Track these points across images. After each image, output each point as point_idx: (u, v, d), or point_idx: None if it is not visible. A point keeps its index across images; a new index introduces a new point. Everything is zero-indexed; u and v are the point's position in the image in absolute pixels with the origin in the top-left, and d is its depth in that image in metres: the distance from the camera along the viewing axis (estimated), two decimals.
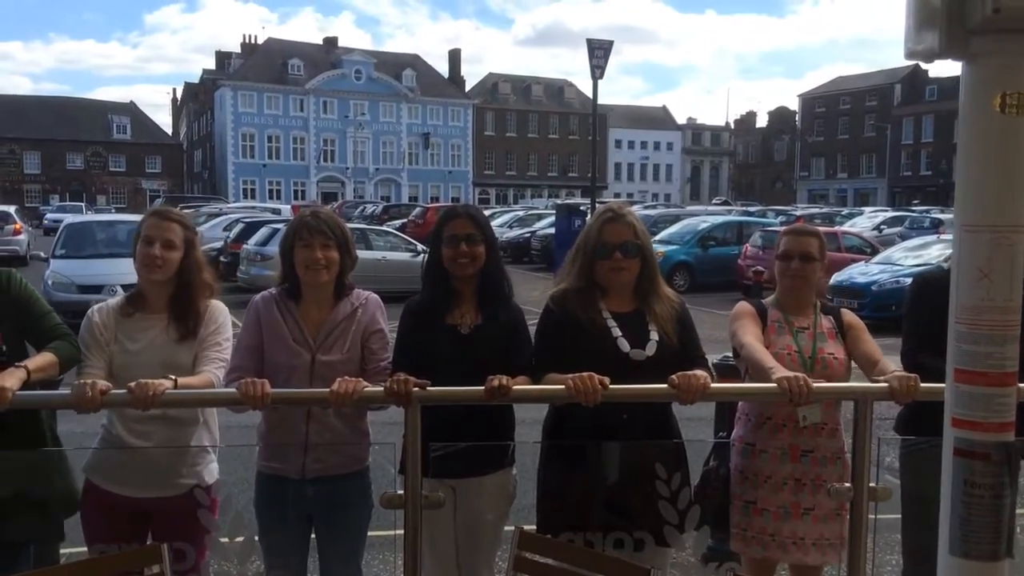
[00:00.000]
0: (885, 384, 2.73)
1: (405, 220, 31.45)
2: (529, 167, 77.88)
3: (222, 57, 73.34)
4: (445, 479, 2.88)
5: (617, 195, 67.65)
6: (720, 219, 23.81)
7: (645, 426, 2.90)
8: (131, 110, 71.76)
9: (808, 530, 3.03)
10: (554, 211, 25.09)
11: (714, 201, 63.50)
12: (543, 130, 78.59)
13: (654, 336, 2.92)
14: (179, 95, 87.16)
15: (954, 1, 1.10)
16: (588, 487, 2.95)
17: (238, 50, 72.00)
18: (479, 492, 2.98)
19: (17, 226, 24.80)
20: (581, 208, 20.48)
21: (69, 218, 16.68)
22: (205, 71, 75.55)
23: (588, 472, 2.98)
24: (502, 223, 30.31)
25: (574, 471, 2.96)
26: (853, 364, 3.14)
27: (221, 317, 3.01)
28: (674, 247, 19.45)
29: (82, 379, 2.71)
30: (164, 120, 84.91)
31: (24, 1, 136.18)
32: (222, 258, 17.66)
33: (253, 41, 71.38)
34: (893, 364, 2.93)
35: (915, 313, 3.25)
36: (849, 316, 3.26)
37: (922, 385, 2.66)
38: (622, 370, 2.76)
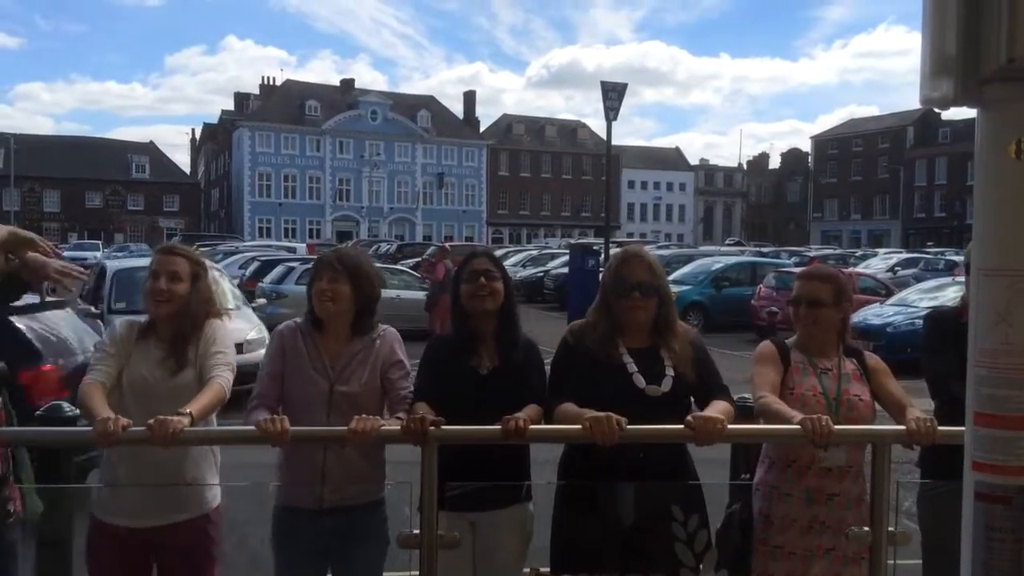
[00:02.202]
0: (903, 427, 2.72)
1: (419, 259, 31.60)
2: (542, 207, 78.27)
3: (241, 98, 74.40)
4: (464, 512, 2.90)
5: (630, 235, 67.82)
6: (733, 260, 23.81)
7: (661, 466, 2.90)
8: (150, 150, 72.74)
9: (828, 571, 3.00)
10: (567, 251, 25.19)
11: (727, 242, 63.49)
12: (556, 170, 79.10)
13: (669, 372, 2.94)
14: (198, 135, 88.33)
15: (969, 50, 1.13)
16: (603, 528, 2.93)
17: (256, 91, 73.11)
18: (497, 526, 2.99)
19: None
20: (594, 248, 20.53)
21: (113, 264, 13.56)
22: (224, 112, 76.61)
23: (603, 513, 2.96)
24: (515, 262, 30.41)
25: (589, 512, 2.95)
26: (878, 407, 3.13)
27: (218, 332, 3.02)
28: (687, 287, 19.43)
29: (90, 379, 2.80)
30: (182, 160, 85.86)
31: (48, 44, 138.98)
32: None
33: (271, 83, 72.51)
34: (920, 410, 2.91)
35: (934, 347, 3.25)
36: (872, 359, 3.22)
37: (940, 428, 2.65)
38: (637, 406, 2.78)
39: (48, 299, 6.00)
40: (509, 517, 3.03)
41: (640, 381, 2.90)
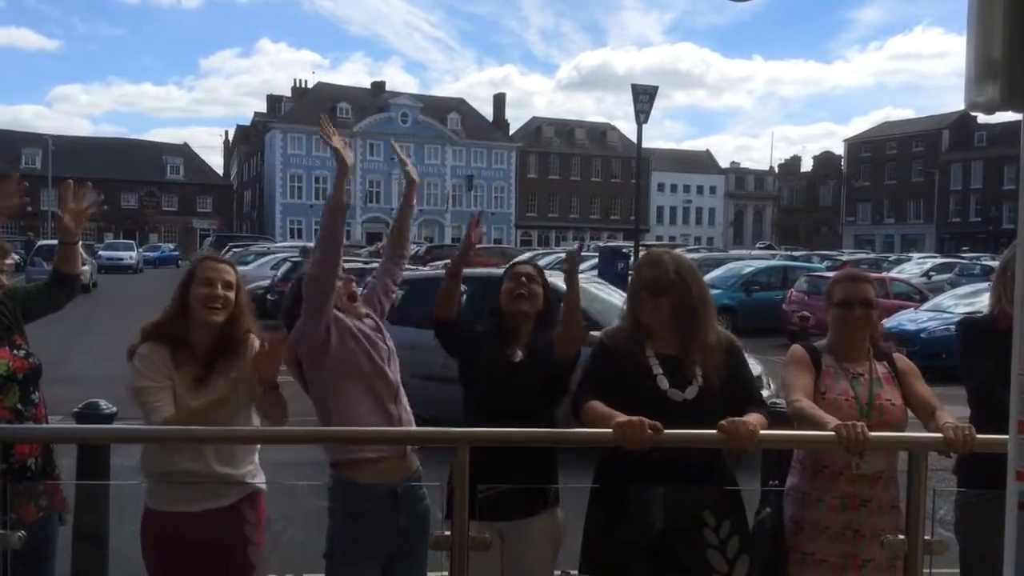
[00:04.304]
0: (940, 435, 2.68)
1: (448, 261, 31.68)
2: (571, 210, 78.20)
3: (273, 101, 75.14)
4: (493, 522, 2.89)
5: (659, 238, 67.40)
6: (764, 263, 23.59)
7: (697, 470, 2.87)
8: (184, 151, 73.74)
9: None
10: (596, 254, 25.11)
11: (758, 245, 62.99)
12: (586, 173, 79.01)
13: (697, 381, 2.90)
14: (231, 137, 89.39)
15: (1015, 54, 1.11)
16: (634, 532, 2.92)
17: (289, 94, 73.78)
18: (528, 534, 2.99)
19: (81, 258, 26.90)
20: (623, 250, 20.46)
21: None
22: (256, 114, 77.42)
23: (635, 517, 2.95)
24: (544, 265, 30.36)
25: (621, 516, 2.94)
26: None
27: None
28: (717, 291, 19.21)
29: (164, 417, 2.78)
30: (216, 161, 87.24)
31: (85, 46, 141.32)
32: (269, 296, 17.94)
33: (303, 85, 73.14)
34: (950, 414, 2.87)
35: (971, 353, 3.19)
36: (902, 361, 3.19)
37: (979, 437, 2.61)
38: (662, 410, 2.75)
39: None
40: (538, 526, 3.03)
41: (664, 383, 2.88)
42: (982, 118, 69.42)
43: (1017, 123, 1.23)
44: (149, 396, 2.81)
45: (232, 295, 2.98)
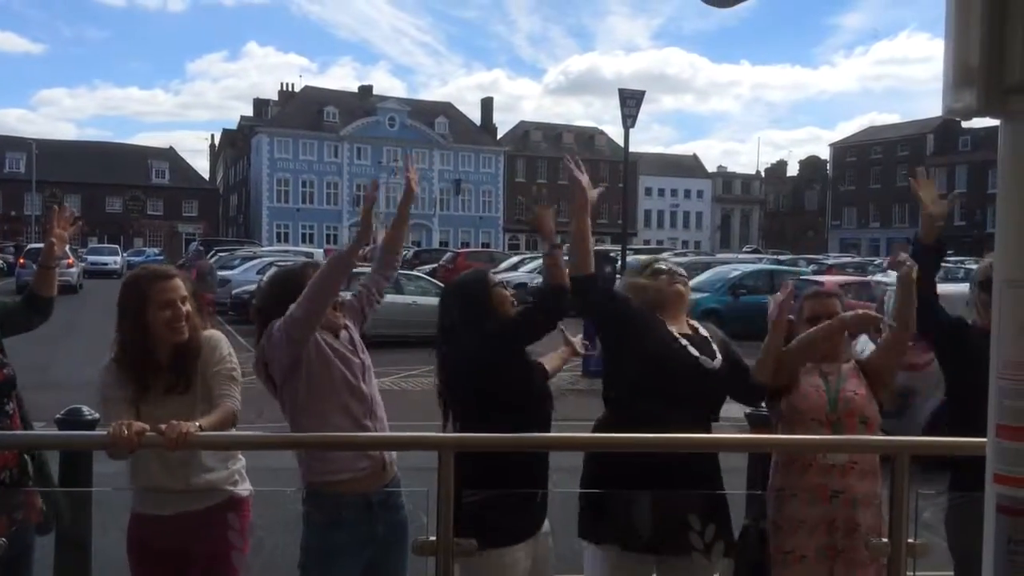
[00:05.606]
0: (921, 436, 2.71)
1: (436, 265, 31.66)
2: (559, 214, 77.49)
3: (260, 104, 74.91)
4: (524, 542, 2.91)
5: (647, 242, 67.63)
6: (751, 267, 23.74)
7: (677, 471, 2.88)
8: (170, 155, 73.35)
9: (842, 573, 2.99)
10: None
11: (744, 249, 63.27)
12: None
13: (719, 356, 3.04)
14: (217, 141, 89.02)
15: (992, 60, 1.12)
16: (620, 537, 2.92)
17: (276, 98, 73.58)
18: (547, 547, 3.04)
19: (70, 260, 28.23)
20: (611, 255, 20.47)
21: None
22: (243, 118, 77.11)
23: (620, 522, 2.96)
24: (532, 269, 30.39)
25: (607, 518, 2.95)
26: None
27: (218, 344, 2.94)
28: (704, 295, 19.34)
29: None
30: (202, 165, 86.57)
31: (70, 50, 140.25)
32: (255, 300, 17.91)
33: (290, 89, 72.97)
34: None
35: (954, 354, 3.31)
36: (865, 362, 3.34)
37: (962, 440, 2.64)
38: (691, 375, 2.90)
39: None
40: (526, 552, 2.99)
41: (694, 351, 2.99)
42: (966, 123, 70.12)
43: None
44: (106, 409, 2.82)
45: (189, 306, 2.90)
